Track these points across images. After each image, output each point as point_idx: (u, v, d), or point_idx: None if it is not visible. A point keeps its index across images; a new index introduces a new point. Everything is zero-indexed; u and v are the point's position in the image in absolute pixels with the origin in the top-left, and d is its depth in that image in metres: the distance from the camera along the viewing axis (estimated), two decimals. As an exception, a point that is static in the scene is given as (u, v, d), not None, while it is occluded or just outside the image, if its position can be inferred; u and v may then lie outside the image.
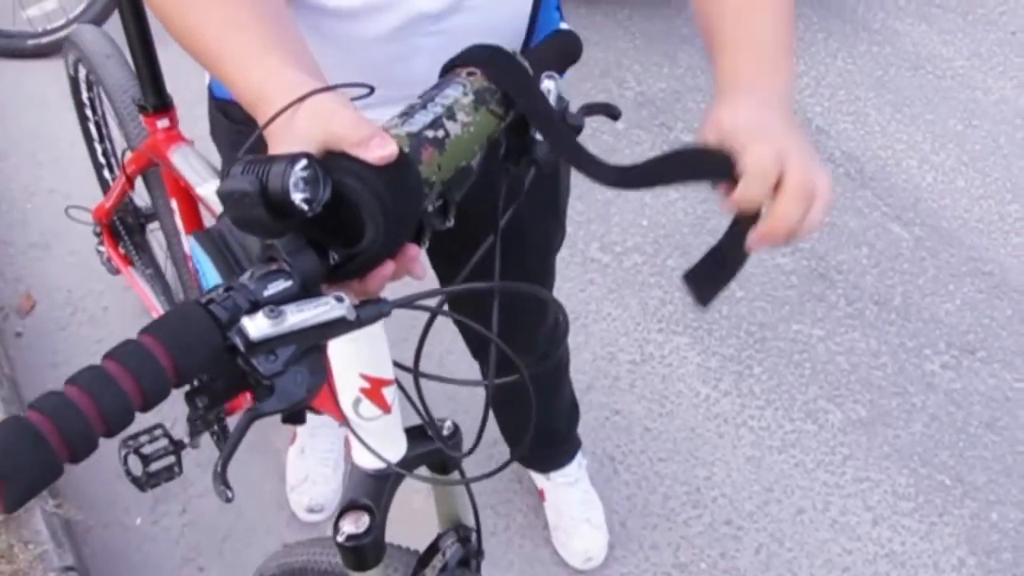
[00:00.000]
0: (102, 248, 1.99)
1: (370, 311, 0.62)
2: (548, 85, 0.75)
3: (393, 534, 0.97)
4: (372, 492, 0.90)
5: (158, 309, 1.86)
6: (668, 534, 1.83)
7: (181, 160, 1.45)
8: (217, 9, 0.69)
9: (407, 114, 0.66)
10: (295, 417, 1.08)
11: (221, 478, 0.62)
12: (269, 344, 0.56)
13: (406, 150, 0.62)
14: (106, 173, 2.08)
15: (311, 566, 1.09)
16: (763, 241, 0.74)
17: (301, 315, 0.57)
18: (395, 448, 0.89)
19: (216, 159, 1.31)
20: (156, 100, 1.50)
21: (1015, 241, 2.47)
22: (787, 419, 2.03)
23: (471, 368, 1.59)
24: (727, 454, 1.96)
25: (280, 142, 0.61)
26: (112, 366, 0.52)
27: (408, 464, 0.90)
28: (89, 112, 2.01)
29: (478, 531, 1.06)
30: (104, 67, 1.73)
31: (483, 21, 0.92)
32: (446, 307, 0.78)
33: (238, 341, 0.55)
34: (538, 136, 0.75)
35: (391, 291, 0.65)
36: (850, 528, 1.85)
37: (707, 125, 0.75)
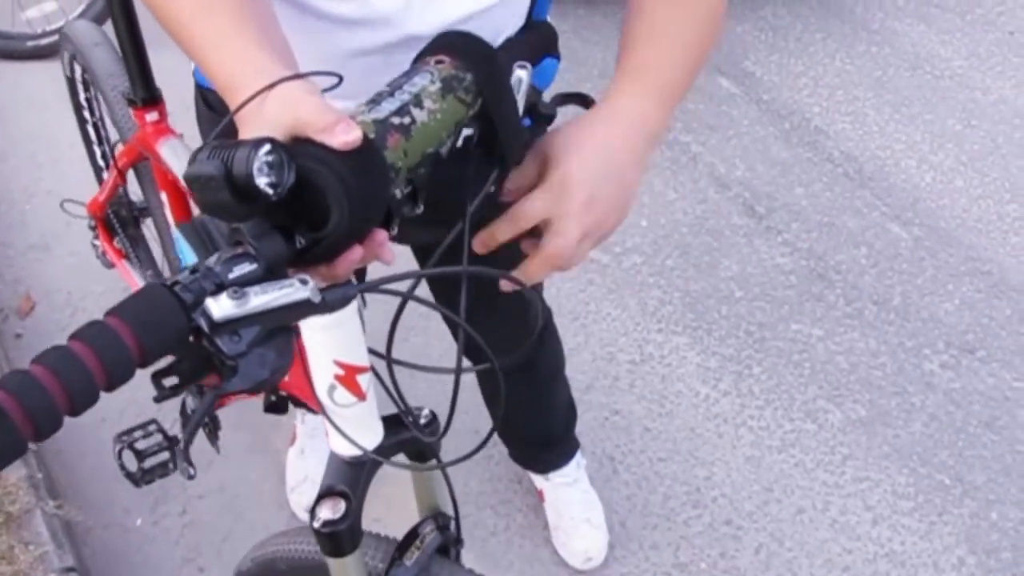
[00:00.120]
0: (97, 242, 2.00)
1: (336, 294, 0.63)
2: (520, 74, 0.76)
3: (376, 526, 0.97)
4: (349, 479, 0.91)
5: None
6: (668, 534, 1.83)
7: (169, 153, 1.46)
8: None
9: (374, 102, 0.67)
10: (277, 407, 1.09)
11: (184, 455, 0.62)
12: (233, 325, 0.57)
13: (372, 136, 0.63)
14: (105, 175, 2.09)
15: (282, 555, 1.09)
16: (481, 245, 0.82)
17: (265, 296, 0.58)
18: (371, 435, 0.90)
19: None
20: (145, 94, 1.51)
21: (1014, 240, 2.48)
22: (787, 419, 2.03)
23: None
24: (727, 454, 1.96)
25: (249, 128, 0.62)
26: (77, 346, 0.53)
27: (385, 452, 0.91)
28: (87, 114, 2.01)
29: (457, 519, 1.07)
30: (94, 56, 1.74)
31: None
32: (417, 292, 0.78)
33: (202, 322, 0.56)
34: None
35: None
36: (850, 528, 1.85)
37: (553, 140, 0.81)
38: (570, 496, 1.79)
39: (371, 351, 0.84)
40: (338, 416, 0.86)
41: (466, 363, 0.85)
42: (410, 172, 0.67)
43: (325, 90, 0.65)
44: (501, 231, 0.79)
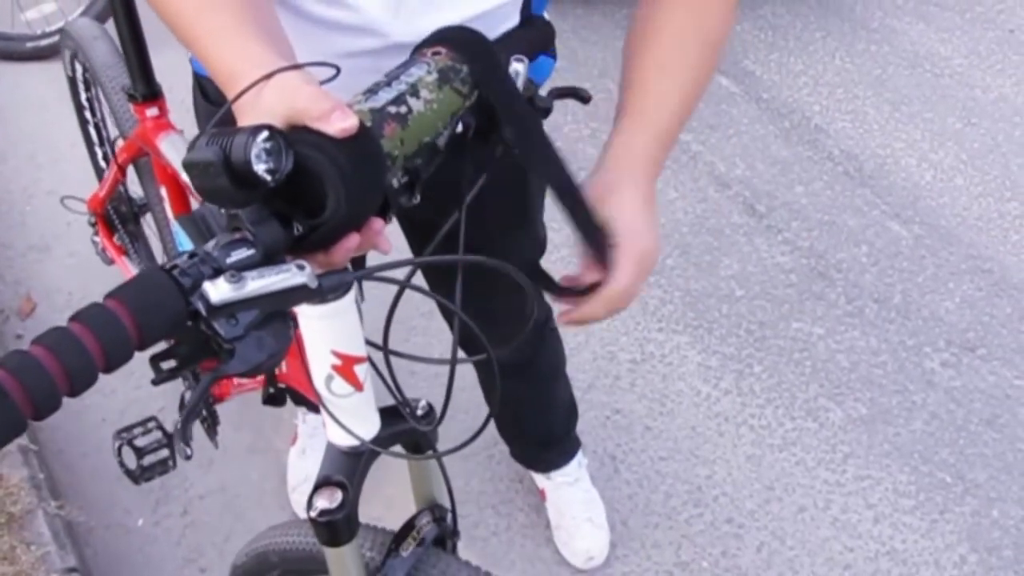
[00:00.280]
0: (96, 238, 2.00)
1: (332, 280, 0.63)
2: (517, 68, 0.77)
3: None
4: (346, 469, 0.92)
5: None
6: (669, 533, 1.83)
7: (169, 147, 1.47)
8: None
9: (371, 91, 0.68)
10: (275, 399, 1.09)
11: (181, 435, 0.63)
12: (230, 308, 0.58)
13: (368, 124, 0.64)
14: (106, 174, 2.09)
15: (273, 547, 1.10)
16: (567, 322, 0.89)
17: (262, 281, 0.59)
18: (368, 426, 0.90)
19: None
20: (145, 89, 1.52)
21: (1014, 239, 2.48)
22: (788, 417, 2.03)
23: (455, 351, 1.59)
24: (728, 453, 1.96)
25: (247, 116, 0.63)
26: (77, 327, 0.54)
27: (382, 442, 0.91)
28: (88, 114, 2.01)
29: (453, 511, 1.07)
30: (95, 51, 1.75)
31: None
32: (414, 282, 0.79)
33: (200, 305, 0.57)
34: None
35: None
36: (851, 526, 1.85)
37: (597, 189, 0.87)
38: (572, 495, 1.79)
39: (369, 343, 0.84)
40: (335, 406, 0.87)
41: (463, 355, 0.85)
42: (407, 161, 0.67)
43: (325, 81, 0.66)
44: (595, 313, 0.86)
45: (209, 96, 1.13)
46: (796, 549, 1.81)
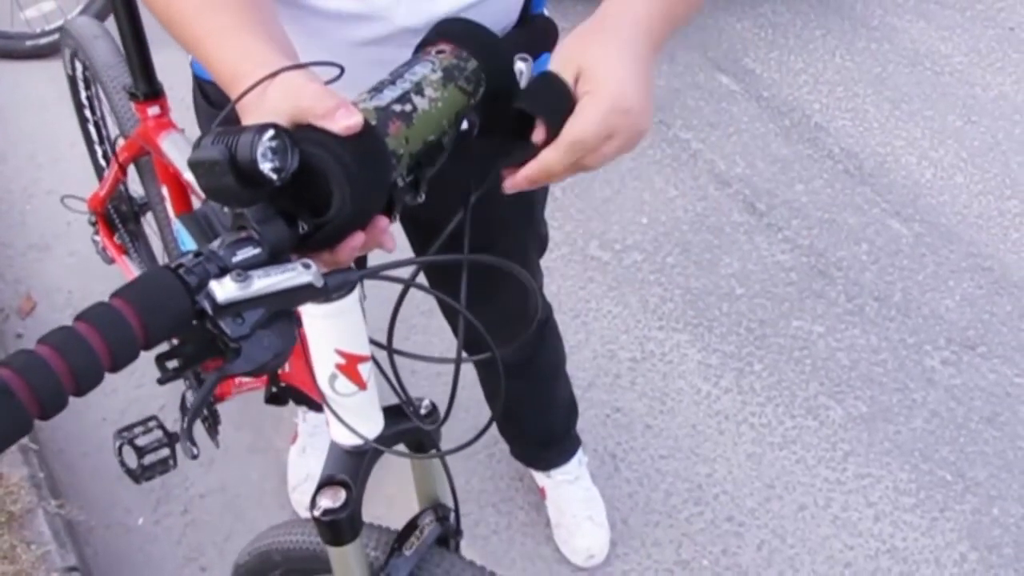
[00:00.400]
0: (97, 238, 2.00)
1: (337, 279, 0.63)
2: (520, 67, 0.76)
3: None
4: (349, 468, 0.92)
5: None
6: (670, 531, 1.83)
7: (170, 146, 1.46)
8: None
9: (376, 90, 0.68)
10: (278, 398, 1.09)
11: (187, 434, 0.63)
12: (236, 307, 0.58)
13: (373, 123, 0.64)
14: (107, 174, 2.09)
15: (276, 547, 1.10)
16: (516, 184, 0.76)
17: (268, 280, 0.59)
18: (372, 425, 0.90)
19: None
20: (146, 87, 1.52)
21: (1014, 237, 2.47)
22: (788, 416, 2.03)
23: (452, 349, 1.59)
24: (728, 451, 1.96)
25: (251, 116, 0.63)
26: (82, 326, 0.54)
27: (386, 441, 0.92)
28: (88, 113, 2.01)
29: (456, 511, 1.07)
30: (95, 50, 1.75)
31: None
32: (419, 280, 0.79)
33: (206, 304, 0.57)
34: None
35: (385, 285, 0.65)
36: (851, 524, 1.85)
37: (580, 37, 0.76)
38: (572, 494, 1.79)
39: (372, 341, 0.84)
40: (339, 405, 0.87)
41: (466, 355, 0.85)
42: (411, 159, 0.67)
43: (329, 81, 0.66)
44: (555, 161, 0.73)
45: (210, 98, 1.12)
46: (796, 547, 1.81)
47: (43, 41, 3.00)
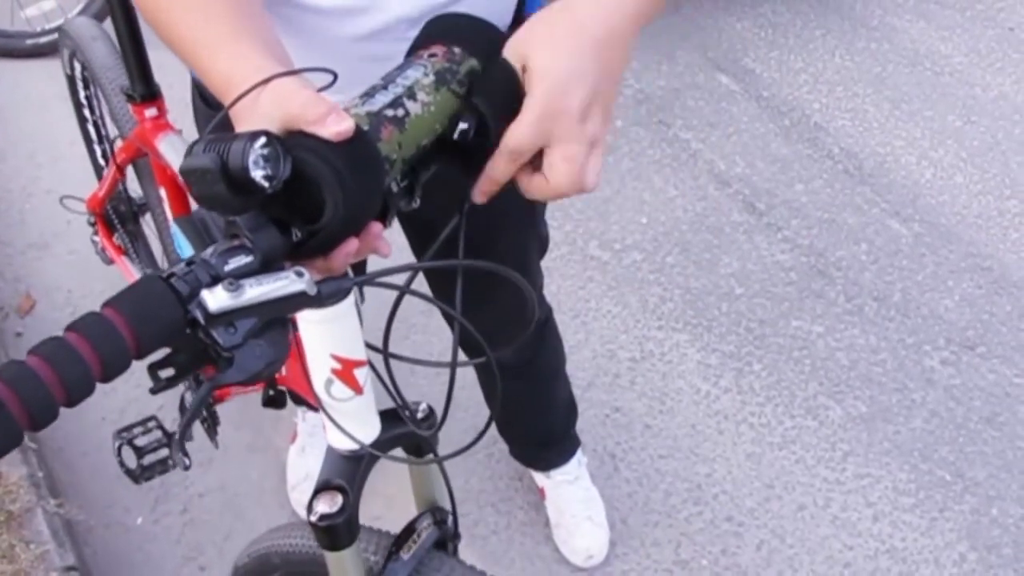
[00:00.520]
0: (96, 238, 2.00)
1: (331, 286, 0.63)
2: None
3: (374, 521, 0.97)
4: (346, 473, 0.91)
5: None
6: (669, 531, 1.83)
7: (168, 148, 1.46)
8: (189, 2, 0.72)
9: (368, 95, 0.67)
10: (275, 401, 1.09)
11: (180, 446, 0.63)
12: (228, 316, 0.57)
13: (365, 128, 0.63)
14: (105, 173, 2.09)
15: (276, 550, 1.10)
16: (478, 196, 0.73)
17: (260, 288, 0.58)
18: (369, 429, 0.90)
19: None
20: (144, 89, 1.52)
21: (1014, 237, 2.47)
22: (787, 415, 2.03)
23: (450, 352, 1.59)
24: (727, 451, 1.96)
25: (244, 123, 0.63)
26: (73, 337, 0.53)
27: (382, 446, 0.91)
28: (87, 112, 2.01)
29: (454, 513, 1.07)
30: (93, 52, 1.75)
31: None
32: (415, 284, 0.78)
33: (198, 314, 0.56)
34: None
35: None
36: (851, 524, 1.85)
37: (516, 37, 0.70)
38: (571, 494, 1.79)
39: (368, 345, 0.84)
40: (335, 410, 0.86)
41: (464, 357, 0.85)
42: (405, 165, 0.67)
43: (323, 88, 0.65)
44: (498, 171, 0.70)
45: (208, 100, 1.12)
46: (796, 547, 1.81)
47: (43, 40, 3.00)
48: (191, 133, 1.43)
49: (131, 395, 1.99)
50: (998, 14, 3.33)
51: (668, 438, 1.99)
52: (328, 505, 0.90)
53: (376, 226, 0.65)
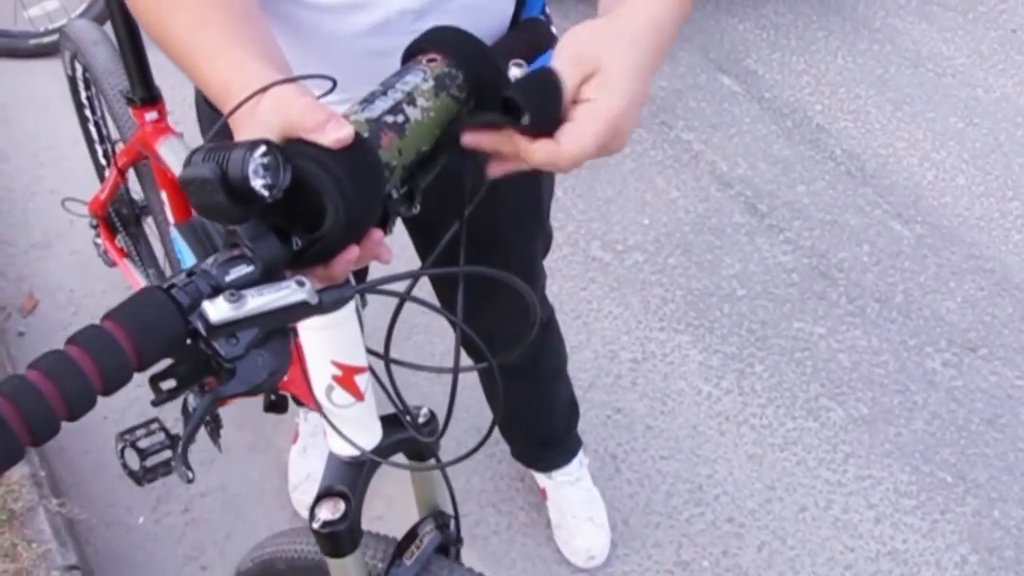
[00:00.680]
0: (98, 241, 2.00)
1: (333, 295, 0.63)
2: (515, 73, 0.76)
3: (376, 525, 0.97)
4: (348, 479, 0.91)
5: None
6: (670, 532, 1.83)
7: (168, 152, 1.47)
8: (187, 9, 0.71)
9: (367, 101, 0.67)
10: (277, 407, 1.09)
11: (183, 459, 0.62)
12: (230, 327, 0.57)
13: (365, 135, 0.63)
14: (107, 173, 2.09)
15: (280, 555, 1.10)
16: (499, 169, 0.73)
17: (261, 299, 0.58)
18: (370, 435, 0.90)
19: None
20: (144, 93, 1.52)
21: (1016, 238, 2.47)
22: (789, 417, 2.03)
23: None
24: (729, 452, 1.96)
25: (244, 131, 0.63)
26: (74, 350, 0.53)
27: (384, 451, 0.91)
28: (88, 113, 2.01)
29: (456, 518, 1.07)
30: (94, 55, 1.75)
31: (465, 20, 0.93)
32: (418, 288, 0.78)
33: (199, 325, 0.56)
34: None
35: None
36: (852, 526, 1.85)
37: (582, 47, 0.71)
38: (573, 494, 1.79)
39: (370, 351, 0.84)
40: (336, 416, 0.86)
41: (467, 361, 0.85)
42: (405, 171, 0.67)
43: (323, 94, 0.65)
44: (535, 157, 0.70)
45: (211, 102, 1.12)
46: (797, 549, 1.81)
47: (46, 40, 3.00)
48: (192, 136, 1.44)
49: (133, 395, 1.98)
50: (1000, 16, 3.33)
51: (669, 439, 1.98)
52: (330, 512, 0.90)
53: (377, 233, 0.65)
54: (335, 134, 0.60)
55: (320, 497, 0.91)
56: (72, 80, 1.98)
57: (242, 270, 0.58)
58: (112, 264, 1.99)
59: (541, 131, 0.69)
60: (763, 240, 2.44)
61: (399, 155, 0.65)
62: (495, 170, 0.73)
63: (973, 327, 2.24)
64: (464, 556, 1.11)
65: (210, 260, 0.59)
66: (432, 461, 1.00)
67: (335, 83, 0.66)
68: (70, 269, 2.32)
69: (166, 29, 0.73)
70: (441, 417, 0.92)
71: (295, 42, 0.81)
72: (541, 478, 1.83)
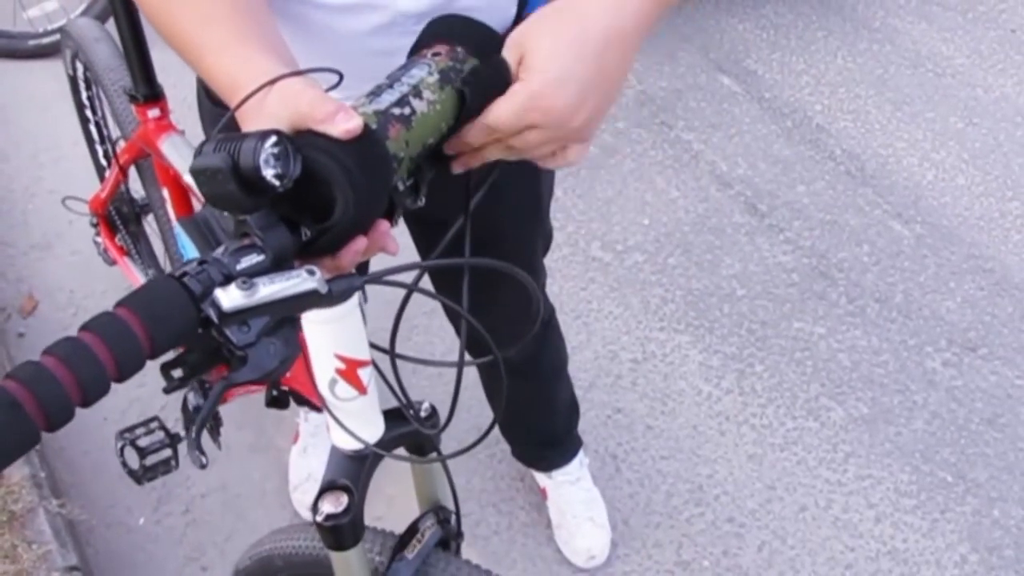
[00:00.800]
0: (99, 239, 2.00)
1: (342, 284, 0.63)
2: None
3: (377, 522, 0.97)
4: (350, 473, 0.92)
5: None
6: (670, 532, 1.83)
7: (171, 149, 1.47)
8: (193, 5, 0.72)
9: (374, 93, 0.67)
10: (278, 402, 1.09)
11: (196, 444, 0.63)
12: (242, 315, 0.57)
13: (373, 127, 0.63)
14: (107, 174, 2.09)
15: (278, 552, 1.10)
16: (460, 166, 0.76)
17: (273, 287, 0.58)
18: (373, 429, 0.90)
19: None
20: (146, 90, 1.52)
21: (1015, 238, 2.47)
22: (789, 417, 2.03)
23: (454, 350, 1.59)
24: (729, 452, 1.96)
25: (250, 124, 0.63)
26: (88, 336, 0.53)
27: (386, 445, 0.92)
28: (89, 113, 2.01)
29: (457, 513, 1.07)
30: (96, 52, 1.75)
31: None
32: (422, 284, 0.78)
33: (211, 312, 0.56)
34: None
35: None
36: (852, 525, 1.85)
37: (519, 32, 0.72)
38: (573, 494, 1.79)
39: (373, 346, 0.84)
40: (339, 410, 0.87)
41: (469, 356, 0.85)
42: (411, 163, 0.67)
43: (330, 88, 0.66)
44: (471, 135, 0.72)
45: (214, 98, 1.13)
46: (797, 548, 1.81)
47: (46, 40, 3.00)
48: (194, 134, 1.44)
49: (133, 395, 1.99)
50: (1000, 16, 3.33)
51: (670, 439, 1.99)
52: (333, 505, 0.90)
53: (384, 224, 0.65)
54: (345, 125, 0.60)
55: (323, 491, 0.91)
56: (73, 80, 1.98)
57: (253, 259, 0.59)
58: (112, 262, 1.99)
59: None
60: (763, 240, 2.44)
61: (406, 147, 0.66)
62: (457, 167, 0.75)
63: (973, 327, 2.24)
64: (464, 556, 1.12)
65: (221, 249, 0.59)
66: (433, 455, 1.00)
67: (341, 77, 0.66)
68: (70, 270, 2.32)
69: (173, 24, 0.73)
70: (443, 413, 0.92)
71: (300, 40, 0.81)
72: (541, 478, 1.83)
